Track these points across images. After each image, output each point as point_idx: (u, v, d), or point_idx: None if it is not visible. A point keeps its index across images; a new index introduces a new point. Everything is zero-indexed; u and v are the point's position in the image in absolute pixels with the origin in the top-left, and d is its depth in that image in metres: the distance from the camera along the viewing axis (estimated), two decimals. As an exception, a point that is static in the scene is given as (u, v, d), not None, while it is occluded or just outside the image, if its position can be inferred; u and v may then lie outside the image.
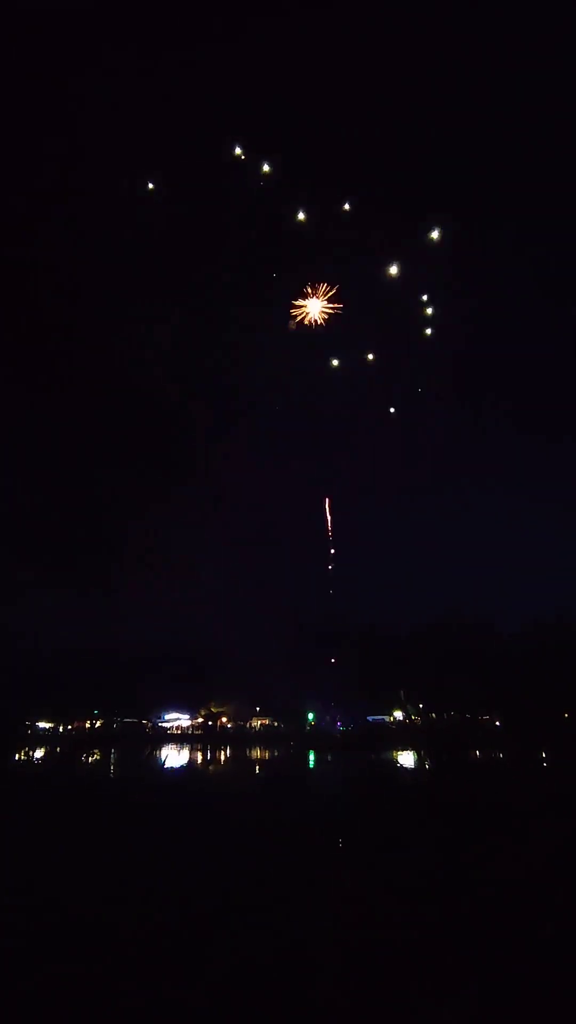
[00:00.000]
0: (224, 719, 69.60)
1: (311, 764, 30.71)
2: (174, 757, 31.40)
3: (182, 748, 45.90)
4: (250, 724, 69.31)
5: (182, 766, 21.89)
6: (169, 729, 67.56)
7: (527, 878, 5.07)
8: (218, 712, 69.66)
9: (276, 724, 67.39)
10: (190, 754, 37.60)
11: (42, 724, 61.09)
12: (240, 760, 34.73)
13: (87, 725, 63.65)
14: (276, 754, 40.95)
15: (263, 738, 61.96)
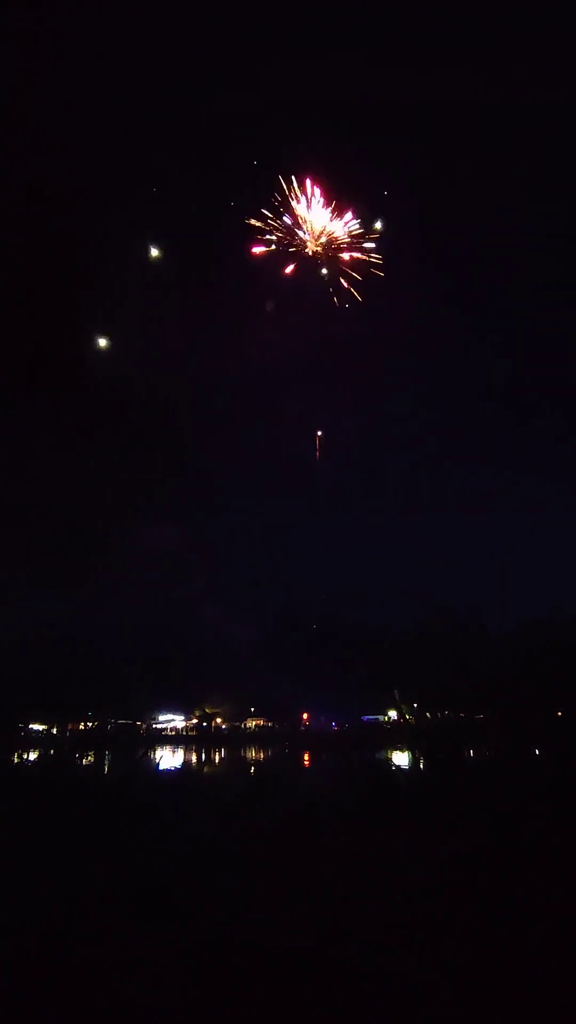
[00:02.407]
0: (219, 720, 69.59)
1: (306, 764, 30.76)
2: (169, 758, 31.35)
3: (176, 749, 45.84)
4: (245, 725, 69.33)
5: (177, 767, 21.88)
6: (163, 730, 67.49)
7: (526, 873, 5.12)
8: (212, 713, 69.67)
9: (270, 725, 67.47)
10: (185, 755, 37.57)
11: (35, 726, 60.92)
12: (235, 761, 34.74)
13: (80, 727, 63.49)
14: (270, 754, 40.97)
15: (258, 738, 62.00)
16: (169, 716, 69.01)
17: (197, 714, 69.30)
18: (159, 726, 67.60)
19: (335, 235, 52.19)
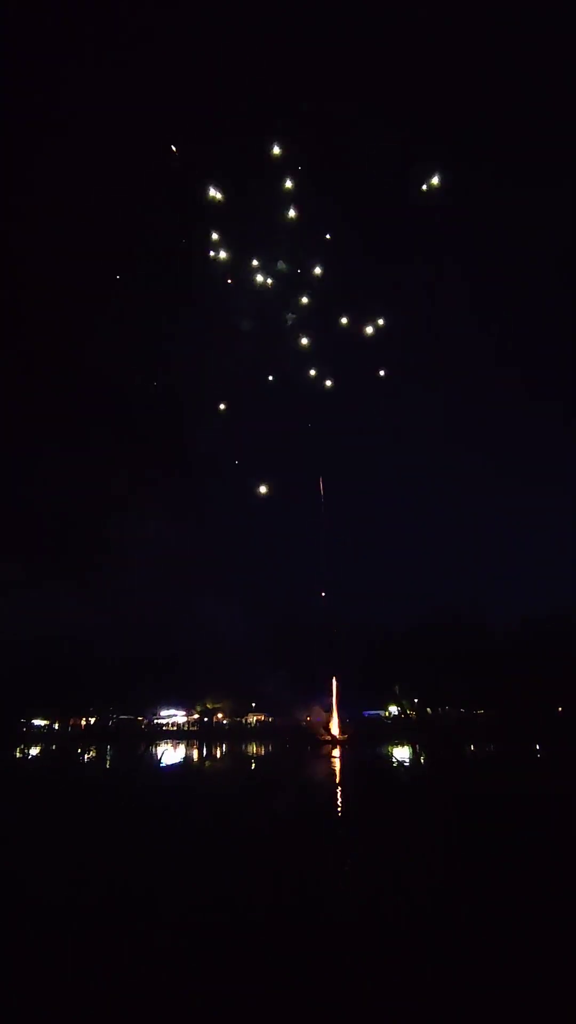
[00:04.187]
0: (220, 715, 69.83)
1: (306, 759, 30.88)
2: (170, 754, 31.50)
3: (178, 744, 46.06)
4: (246, 720, 69.56)
5: (178, 762, 21.99)
6: (165, 725, 67.70)
7: (526, 871, 5.12)
8: (214, 708, 69.90)
9: (271, 720, 67.68)
10: (187, 750, 37.77)
11: (37, 721, 61.16)
12: (236, 755, 34.90)
13: (82, 722, 63.75)
14: (271, 749, 41.14)
15: (259, 734, 62.23)
16: (171, 711, 69.23)
17: (199, 709, 69.56)
18: (160, 721, 67.79)
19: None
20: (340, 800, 9.19)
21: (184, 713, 69.81)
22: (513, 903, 4.65)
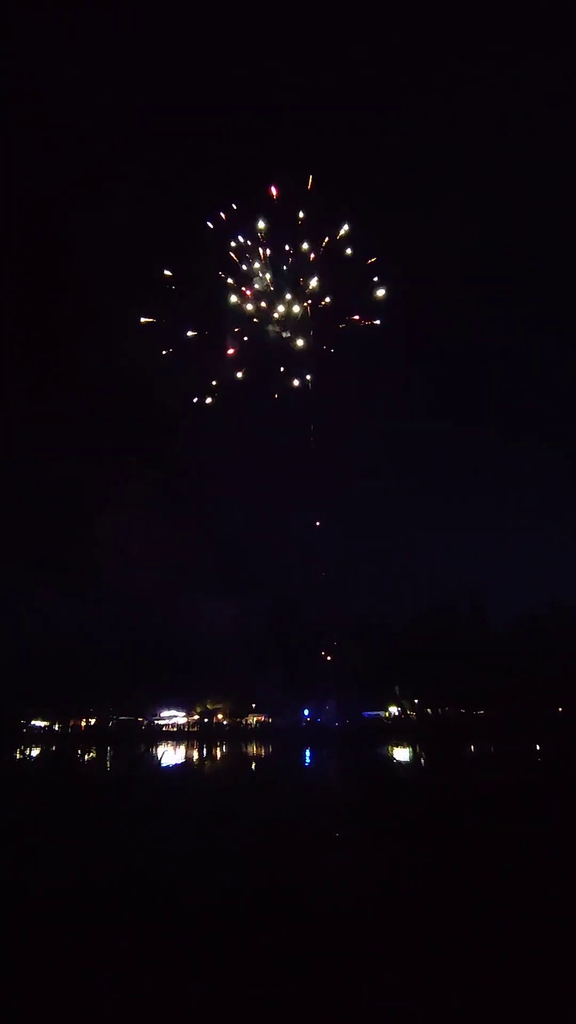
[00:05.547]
0: (220, 716, 69.84)
1: (307, 759, 30.89)
2: (170, 754, 31.48)
3: (178, 745, 45.97)
4: (245, 721, 69.56)
5: (179, 763, 21.98)
6: (165, 726, 67.66)
7: (523, 869, 5.13)
8: (214, 709, 69.91)
9: (271, 720, 67.65)
10: (186, 751, 37.75)
11: (37, 723, 60.95)
12: (236, 756, 34.91)
13: (83, 723, 63.56)
14: (271, 750, 41.13)
15: (258, 734, 62.24)
16: (171, 712, 69.17)
17: (199, 710, 69.54)
18: (161, 722, 67.72)
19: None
20: (339, 801, 9.19)
21: (184, 714, 69.80)
22: (512, 902, 4.66)
